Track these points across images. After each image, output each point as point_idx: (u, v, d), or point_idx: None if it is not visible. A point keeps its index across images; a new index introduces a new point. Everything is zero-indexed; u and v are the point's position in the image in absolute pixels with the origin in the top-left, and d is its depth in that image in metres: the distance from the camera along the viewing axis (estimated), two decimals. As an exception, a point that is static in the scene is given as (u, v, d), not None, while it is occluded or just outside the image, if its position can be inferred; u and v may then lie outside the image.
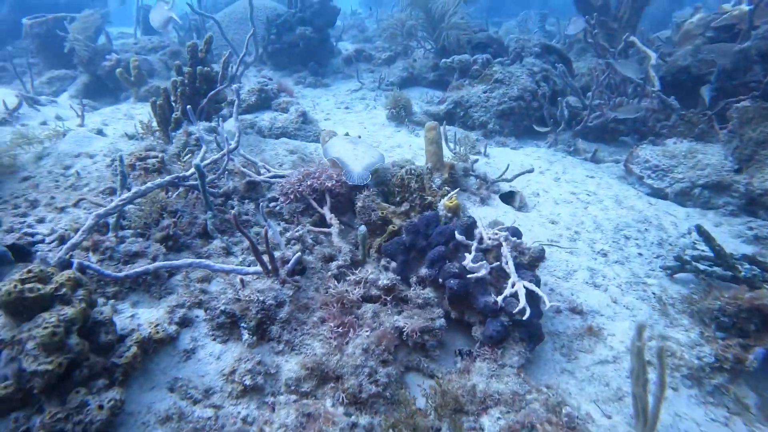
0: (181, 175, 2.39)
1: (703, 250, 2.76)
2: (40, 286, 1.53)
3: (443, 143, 3.35)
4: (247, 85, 5.07)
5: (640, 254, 2.88)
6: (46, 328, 1.45)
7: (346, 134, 3.35)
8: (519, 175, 3.35)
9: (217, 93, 3.56)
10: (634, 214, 3.25)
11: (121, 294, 1.99)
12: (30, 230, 2.21)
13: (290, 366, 1.86)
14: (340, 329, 1.95)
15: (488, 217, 3.05)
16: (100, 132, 3.82)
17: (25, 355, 1.45)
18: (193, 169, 2.41)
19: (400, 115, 4.62)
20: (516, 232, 2.30)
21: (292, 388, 1.79)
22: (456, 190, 2.59)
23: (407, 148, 4.03)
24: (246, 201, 2.70)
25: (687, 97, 4.53)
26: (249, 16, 8.70)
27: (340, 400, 1.76)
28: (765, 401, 2.02)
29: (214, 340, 1.89)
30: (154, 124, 3.61)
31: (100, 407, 1.51)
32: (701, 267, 2.61)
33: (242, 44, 8.35)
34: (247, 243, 2.29)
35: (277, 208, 2.65)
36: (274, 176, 2.84)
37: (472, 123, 4.55)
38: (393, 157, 3.88)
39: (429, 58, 6.20)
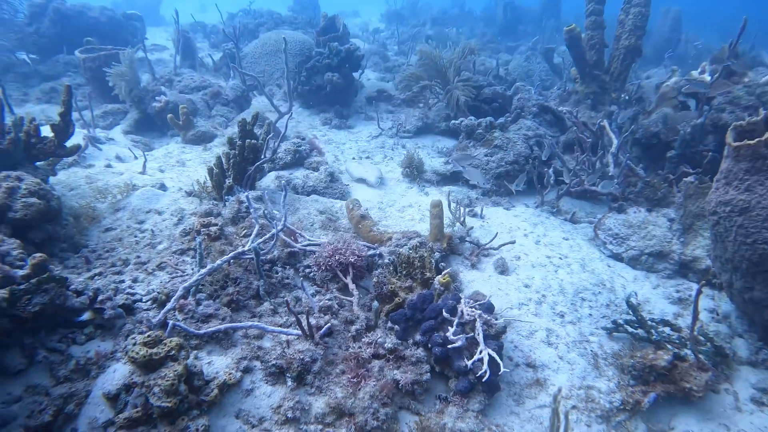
0: (240, 251, 3.19)
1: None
2: (161, 351, 2.35)
3: (446, 210, 4.14)
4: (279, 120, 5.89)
5: (590, 315, 3.65)
6: (167, 380, 2.27)
7: (362, 180, 4.15)
8: (504, 244, 4.14)
9: (260, 165, 4.38)
10: (593, 278, 4.01)
11: (200, 345, 2.81)
12: (131, 290, 3.04)
13: (319, 404, 2.66)
14: (355, 379, 2.75)
15: (476, 280, 3.85)
16: (162, 186, 4.65)
17: (152, 394, 2.28)
18: (249, 246, 3.23)
19: (413, 174, 5.40)
20: (489, 307, 3.09)
21: (319, 420, 2.59)
22: (449, 270, 3.37)
23: (417, 209, 4.80)
24: (287, 267, 3.52)
25: (657, 159, 5.28)
26: (280, 49, 9.53)
27: (352, 430, 2.57)
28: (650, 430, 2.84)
29: (267, 383, 2.70)
30: (209, 184, 4.44)
31: (197, 430, 2.34)
32: (629, 330, 3.39)
33: (271, 76, 9.22)
34: (290, 305, 3.11)
35: (311, 274, 3.47)
36: (309, 245, 3.65)
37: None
38: (404, 217, 4.69)
39: (441, 109, 6.96)
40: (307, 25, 12.98)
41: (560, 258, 4.25)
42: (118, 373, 2.39)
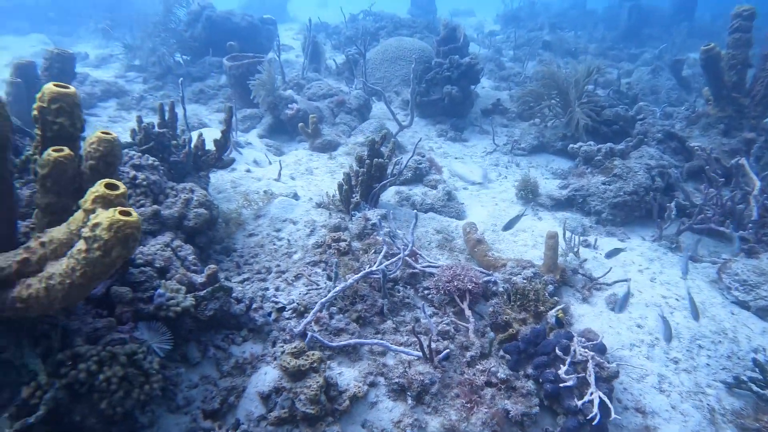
0: (369, 270, 3.54)
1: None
2: (306, 362, 2.75)
3: (560, 239, 4.23)
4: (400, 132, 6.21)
5: (708, 365, 3.59)
6: (311, 390, 2.67)
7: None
8: (617, 282, 4.16)
9: (386, 184, 4.72)
10: (713, 325, 3.91)
11: (332, 356, 3.19)
12: (275, 299, 3.49)
13: (434, 424, 2.93)
14: (468, 404, 2.99)
15: (586, 315, 3.92)
16: (295, 195, 5.16)
17: (298, 400, 2.67)
18: (376, 266, 3.57)
19: (528, 197, 5.50)
20: (601, 349, 3.20)
21: (434, 437, 2.88)
22: (562, 306, 3.50)
23: (530, 234, 4.91)
24: (407, 286, 3.82)
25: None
26: (400, 56, 9.88)
27: (465, 452, 2.82)
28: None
29: (389, 398, 3.02)
30: (338, 196, 4.86)
31: (331, 434, 2.71)
32: (754, 388, 3.30)
33: (390, 83, 9.58)
34: (409, 325, 3.42)
35: (429, 296, 3.75)
36: (429, 266, 3.94)
37: (589, 209, 5.31)
38: (517, 242, 4.83)
39: (558, 127, 6.93)
40: (425, 29, 13.25)
41: (677, 299, 4.18)
42: (268, 376, 2.82)
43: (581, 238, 4.83)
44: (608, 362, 3.16)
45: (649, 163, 5.36)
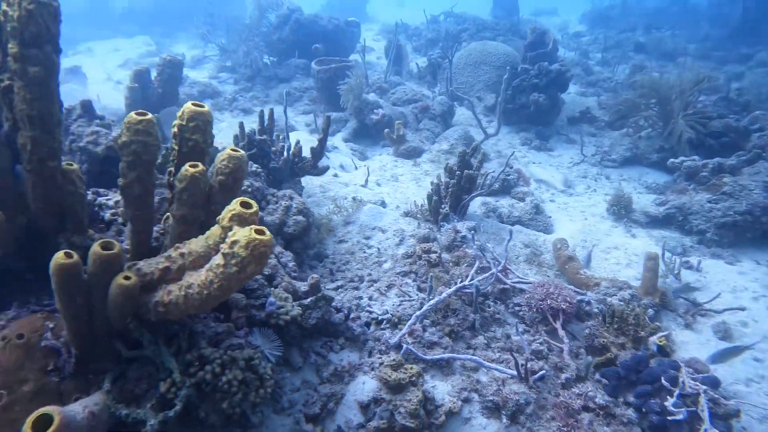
0: (462, 285, 3.52)
1: None
2: (405, 376, 2.78)
3: (660, 262, 4.02)
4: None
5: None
6: (411, 404, 2.69)
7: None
8: (730, 309, 3.88)
9: (475, 196, 4.67)
10: (840, 366, 3.57)
11: (425, 369, 3.20)
12: (369, 309, 3.54)
13: (529, 446, 2.88)
14: (565, 428, 2.90)
15: (690, 343, 3.69)
16: (382, 203, 5.21)
17: (398, 413, 2.70)
18: (468, 281, 3.54)
19: (620, 213, 5.25)
20: (714, 382, 3.00)
21: (528, 460, 2.81)
22: (667, 332, 3.32)
23: (623, 252, 4.70)
24: (498, 302, 3.77)
25: None
26: (484, 61, 9.75)
27: (560, 480, 2.74)
28: None
29: (483, 416, 2.98)
30: (425, 205, 4.86)
31: (424, 449, 2.71)
32: None
33: (473, 88, 9.48)
34: (500, 341, 3.37)
35: (520, 312, 3.67)
36: (519, 282, 3.86)
37: (690, 228, 5.00)
38: (609, 260, 4.63)
39: (653, 137, 6.57)
40: (509, 32, 12.99)
41: (798, 332, 3.85)
42: (367, 386, 2.87)
43: (682, 259, 4.55)
44: (724, 398, 2.96)
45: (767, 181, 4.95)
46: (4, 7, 1.89)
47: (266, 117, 4.90)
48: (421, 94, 8.20)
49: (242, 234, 1.65)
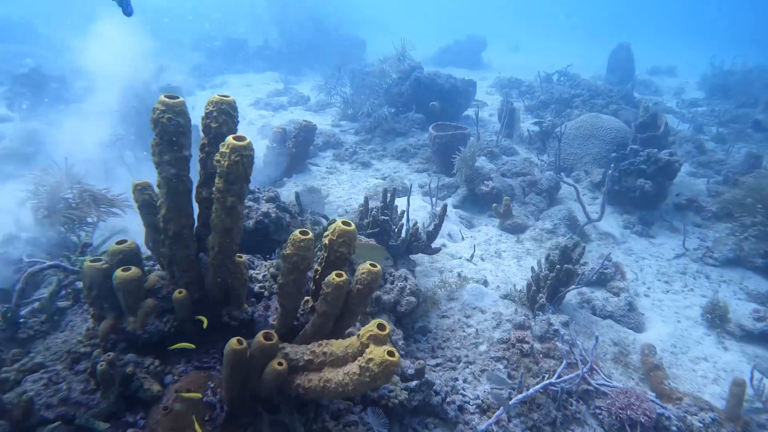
0: (549, 382, 4.03)
1: None
2: (493, 463, 3.36)
3: (747, 388, 4.25)
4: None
5: None
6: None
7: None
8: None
9: (569, 291, 5.15)
10: None
11: (510, 454, 3.75)
12: (462, 392, 4.15)
13: None
14: None
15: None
16: (485, 282, 5.81)
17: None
18: (555, 378, 4.05)
19: (714, 322, 5.45)
20: None
21: None
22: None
23: (711, 365, 4.90)
24: (580, 401, 4.22)
25: None
26: (594, 134, 10.06)
27: None
28: None
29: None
30: (524, 292, 5.40)
31: None
32: None
33: (581, 160, 9.80)
34: (580, 441, 3.84)
35: (600, 416, 4.11)
36: (603, 384, 4.29)
37: (786, 350, 5.12)
38: (696, 371, 4.87)
39: (760, 240, 6.60)
40: (621, 100, 13.11)
41: None
42: (461, 465, 3.48)
43: (772, 381, 4.71)
44: None
45: None
46: (217, 157, 2.69)
47: (389, 196, 5.69)
48: (529, 167, 8.70)
49: (377, 354, 2.34)
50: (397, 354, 2.37)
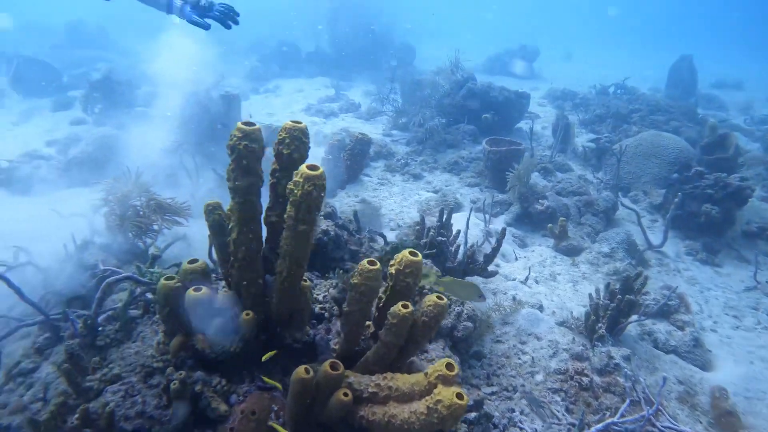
0: (611, 422, 3.89)
1: None
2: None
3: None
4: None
5: None
6: None
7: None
8: None
9: (630, 323, 4.96)
10: None
11: (568, 494, 3.63)
12: (520, 425, 4.06)
13: None
14: None
15: None
16: (540, 307, 5.68)
17: None
18: (617, 418, 3.90)
19: (786, 368, 5.15)
20: None
21: None
22: None
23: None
24: (644, 443, 4.05)
25: None
26: (654, 153, 9.70)
27: None
28: None
29: None
30: (580, 319, 5.24)
31: None
32: None
33: (639, 179, 9.48)
34: (643, 486, 3.69)
35: (665, 460, 3.94)
36: (669, 428, 4.11)
37: None
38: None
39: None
40: (683, 117, 12.61)
41: None
42: (518, 503, 3.40)
43: None
44: None
45: None
46: (290, 185, 2.69)
47: (445, 215, 5.64)
48: (585, 185, 8.47)
49: (446, 396, 2.30)
50: (466, 397, 2.33)
